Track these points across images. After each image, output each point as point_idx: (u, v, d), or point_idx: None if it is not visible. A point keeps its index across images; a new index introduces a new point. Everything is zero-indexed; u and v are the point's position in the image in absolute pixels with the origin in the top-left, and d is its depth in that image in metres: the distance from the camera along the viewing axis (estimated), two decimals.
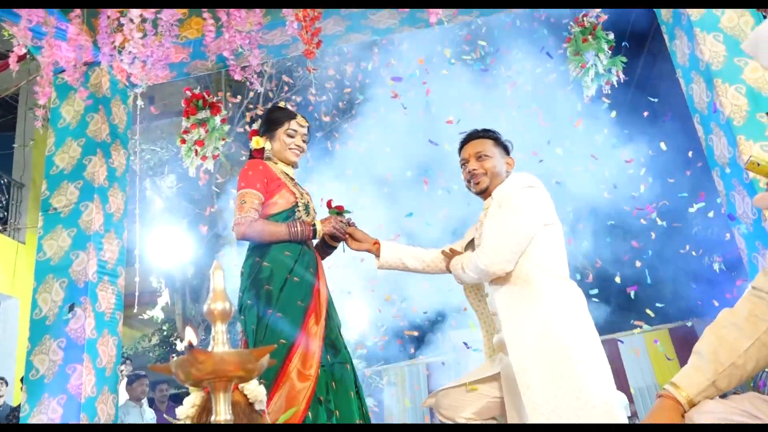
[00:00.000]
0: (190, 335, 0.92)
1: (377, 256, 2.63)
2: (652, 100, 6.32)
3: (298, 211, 2.58)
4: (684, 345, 9.29)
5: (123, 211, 4.15)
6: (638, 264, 7.38)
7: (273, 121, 2.71)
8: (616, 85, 3.97)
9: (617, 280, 7.45)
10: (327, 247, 2.72)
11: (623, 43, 4.52)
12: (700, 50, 3.38)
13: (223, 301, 0.98)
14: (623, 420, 1.92)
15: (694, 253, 7.96)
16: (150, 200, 8.97)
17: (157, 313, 9.87)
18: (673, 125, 6.89)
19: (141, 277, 5.11)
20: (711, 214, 5.89)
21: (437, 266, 2.60)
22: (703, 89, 3.44)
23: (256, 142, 2.70)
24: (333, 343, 2.50)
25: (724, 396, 1.32)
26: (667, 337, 9.69)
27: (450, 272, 2.45)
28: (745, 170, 2.95)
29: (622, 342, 9.57)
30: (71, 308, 3.63)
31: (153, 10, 3.92)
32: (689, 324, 9.53)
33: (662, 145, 5.83)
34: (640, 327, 7.16)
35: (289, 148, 2.67)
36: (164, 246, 8.68)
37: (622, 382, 8.96)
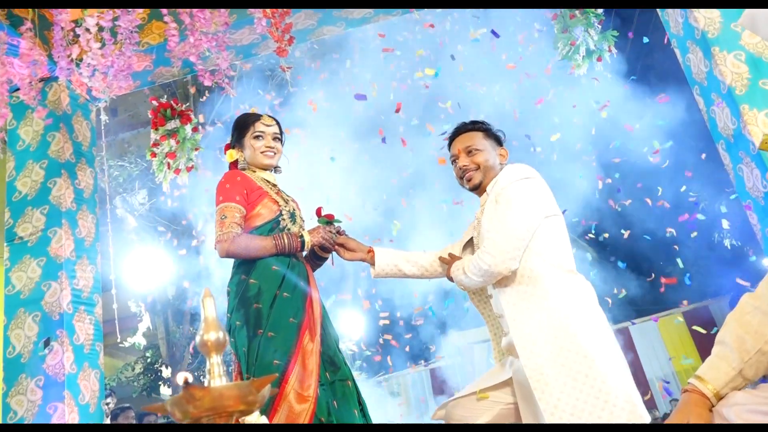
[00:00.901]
0: (183, 377, 0.92)
1: (372, 264, 2.63)
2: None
3: (283, 220, 2.57)
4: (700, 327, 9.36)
5: (94, 234, 4.12)
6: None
7: (238, 128, 2.72)
8: (609, 61, 3.99)
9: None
10: (317, 258, 2.71)
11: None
12: (694, 17, 3.40)
13: (217, 331, 0.98)
14: (647, 419, 1.93)
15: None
16: (122, 220, 8.91)
17: (138, 340, 9.81)
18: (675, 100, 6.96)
19: (119, 303, 5.08)
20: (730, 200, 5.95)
21: (436, 270, 2.60)
22: (701, 59, 3.47)
23: (230, 155, 2.70)
24: (331, 359, 2.49)
25: (753, 385, 1.33)
26: (682, 322, 9.77)
27: (451, 280, 2.44)
28: (759, 149, 2.99)
29: (634, 323, 9.65)
30: (47, 343, 3.61)
31: (110, 17, 3.90)
32: (705, 305, 9.60)
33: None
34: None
35: (261, 152, 2.66)
36: (141, 267, 8.63)
37: (637, 372, 9.03)
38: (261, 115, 2.73)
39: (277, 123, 2.75)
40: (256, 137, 2.67)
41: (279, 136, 2.73)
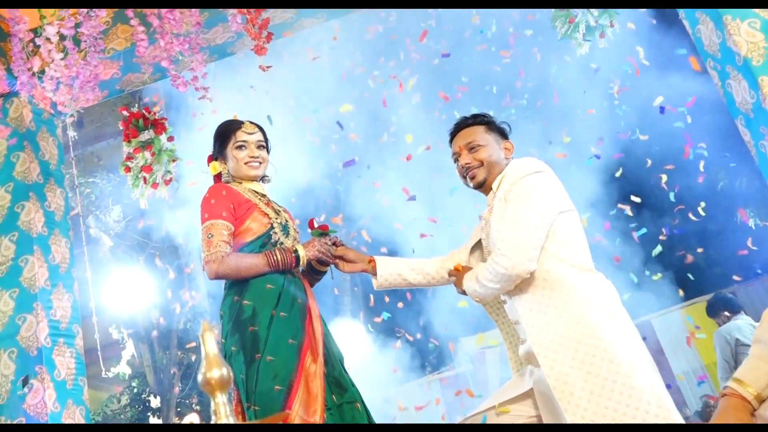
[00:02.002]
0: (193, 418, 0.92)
1: (374, 275, 2.63)
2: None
3: (275, 234, 2.58)
4: None
5: (69, 259, 4.11)
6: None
7: (219, 138, 2.72)
8: (612, 37, 4.00)
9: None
10: (315, 272, 2.71)
11: None
12: None
13: (220, 368, 0.98)
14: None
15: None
16: (97, 240, 8.90)
17: (123, 369, 9.79)
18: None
19: (100, 332, 5.08)
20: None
21: (443, 278, 2.60)
22: (712, 30, 3.48)
23: (213, 168, 2.70)
24: (337, 380, 2.50)
25: None
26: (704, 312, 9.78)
27: (463, 293, 2.42)
28: None
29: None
30: (26, 381, 3.60)
31: (71, 24, 3.89)
32: (730, 293, 9.61)
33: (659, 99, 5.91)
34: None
35: (245, 163, 2.66)
36: (120, 290, 8.61)
37: (664, 370, 9.04)
38: (242, 123, 2.72)
39: (261, 129, 2.75)
40: (239, 147, 2.67)
41: (263, 143, 2.73)
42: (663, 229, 7.29)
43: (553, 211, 2.22)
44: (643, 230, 6.98)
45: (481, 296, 2.31)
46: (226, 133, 2.70)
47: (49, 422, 3.50)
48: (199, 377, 1.00)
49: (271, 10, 4.29)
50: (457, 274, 2.43)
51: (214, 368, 0.99)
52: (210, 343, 1.00)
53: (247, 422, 2.30)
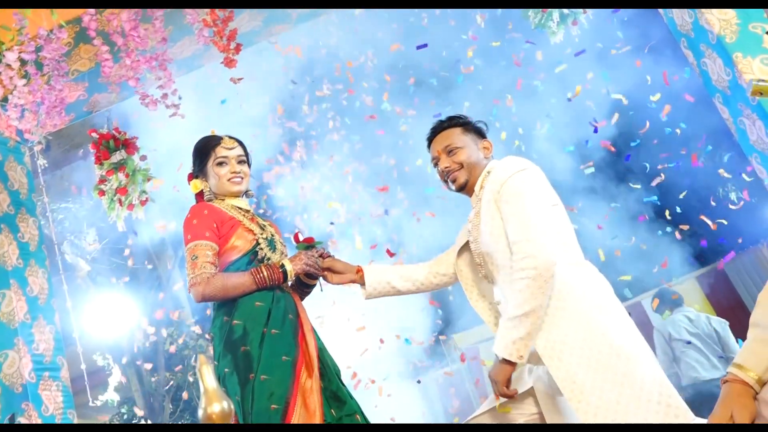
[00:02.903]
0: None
1: (363, 285, 2.63)
2: None
3: (261, 250, 2.56)
4: (718, 293, 9.49)
5: (48, 290, 4.07)
6: None
7: (198, 156, 2.70)
8: (586, 24, 4.03)
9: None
10: (304, 286, 2.70)
11: None
12: None
13: (221, 401, 0.97)
14: (691, 417, 1.95)
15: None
16: (74, 266, 8.79)
17: (111, 396, 9.68)
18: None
19: (85, 361, 5.02)
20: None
21: (432, 283, 2.62)
22: (684, 9, 3.52)
23: (194, 186, 2.68)
24: (334, 394, 2.49)
25: None
26: (697, 287, 9.89)
27: (510, 363, 2.13)
28: (751, 95, 3.04)
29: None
30: (12, 420, 3.54)
31: (32, 48, 3.84)
32: (718, 267, 9.70)
33: (648, 78, 5.96)
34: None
35: (228, 180, 2.64)
36: (102, 316, 8.52)
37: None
38: (221, 138, 2.70)
39: (240, 144, 2.73)
40: (220, 164, 2.65)
41: (244, 158, 2.72)
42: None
43: (547, 203, 2.23)
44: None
45: (532, 324, 2.08)
46: (205, 149, 2.68)
47: None
48: (200, 412, 0.99)
49: (238, 19, 4.26)
50: (494, 368, 2.17)
51: (214, 402, 0.98)
52: (208, 378, 0.99)
53: None
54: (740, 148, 3.65)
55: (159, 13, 3.97)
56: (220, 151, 2.65)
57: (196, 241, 2.46)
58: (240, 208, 2.65)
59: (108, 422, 10.52)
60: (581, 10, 3.91)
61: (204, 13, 3.84)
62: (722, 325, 5.36)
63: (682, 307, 5.53)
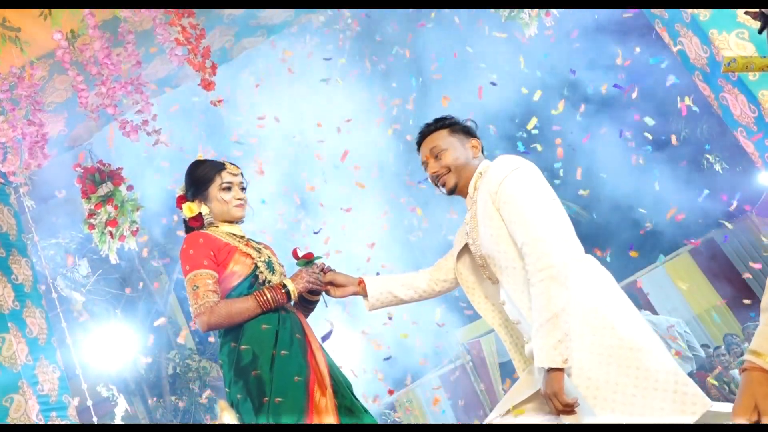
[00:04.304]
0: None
1: (365, 296, 2.61)
2: None
3: (261, 273, 2.53)
4: (712, 263, 9.54)
5: (47, 330, 4.02)
6: None
7: (199, 180, 2.64)
8: (558, 15, 4.03)
9: None
10: (307, 303, 2.68)
11: None
12: None
13: None
14: (708, 403, 1.94)
15: None
16: (69, 301, 8.71)
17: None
18: None
19: (90, 396, 4.97)
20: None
21: (434, 290, 2.61)
22: None
23: (189, 209, 2.62)
24: (349, 409, 2.47)
25: None
26: (690, 261, 9.93)
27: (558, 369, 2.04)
28: (723, 72, 3.05)
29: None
30: None
31: (6, 87, 3.81)
32: (710, 238, 9.73)
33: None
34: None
35: (234, 206, 2.62)
36: (103, 347, 8.45)
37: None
38: (224, 164, 2.67)
39: (240, 171, 2.72)
40: (226, 189, 2.62)
41: (244, 185, 2.70)
42: None
43: (548, 200, 2.22)
44: None
45: (566, 329, 2.01)
46: (208, 174, 2.63)
47: None
48: None
49: (209, 36, 4.23)
50: (545, 383, 2.06)
51: None
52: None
53: None
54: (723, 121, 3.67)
55: (130, 36, 3.93)
56: (226, 177, 2.62)
57: (195, 270, 2.43)
58: (234, 234, 2.62)
59: None
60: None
61: (176, 32, 3.79)
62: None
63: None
